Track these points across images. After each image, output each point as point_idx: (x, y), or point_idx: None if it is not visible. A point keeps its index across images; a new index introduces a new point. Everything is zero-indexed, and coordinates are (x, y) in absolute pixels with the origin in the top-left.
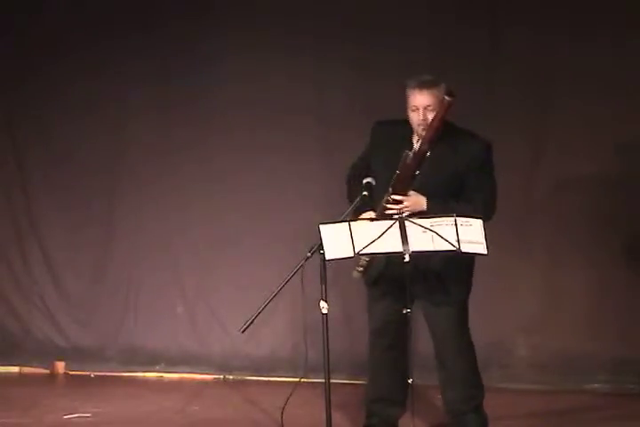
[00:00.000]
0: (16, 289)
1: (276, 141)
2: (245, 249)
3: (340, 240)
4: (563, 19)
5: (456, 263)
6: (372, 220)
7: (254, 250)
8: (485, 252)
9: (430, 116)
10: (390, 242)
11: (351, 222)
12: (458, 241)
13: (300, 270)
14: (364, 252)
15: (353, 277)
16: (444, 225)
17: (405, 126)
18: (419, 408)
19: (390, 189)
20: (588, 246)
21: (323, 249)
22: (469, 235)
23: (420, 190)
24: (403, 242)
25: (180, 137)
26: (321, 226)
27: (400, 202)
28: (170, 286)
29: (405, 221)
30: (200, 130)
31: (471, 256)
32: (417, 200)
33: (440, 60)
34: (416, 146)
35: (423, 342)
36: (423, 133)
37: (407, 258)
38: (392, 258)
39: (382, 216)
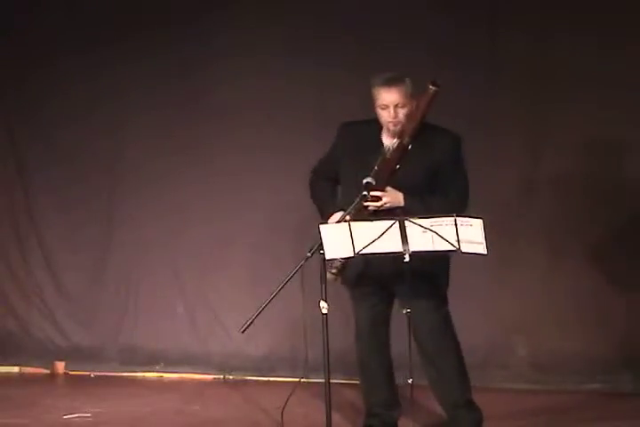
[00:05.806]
0: (16, 289)
1: (275, 141)
2: (245, 249)
3: (340, 240)
4: (562, 19)
5: (433, 258)
6: (371, 220)
7: (254, 250)
8: (485, 252)
9: (401, 114)
10: (390, 242)
11: (351, 222)
12: (458, 241)
13: (299, 270)
14: (363, 252)
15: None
16: (444, 225)
17: (373, 125)
18: (418, 408)
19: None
20: (588, 246)
21: (323, 249)
22: (469, 235)
23: (397, 186)
24: (402, 242)
25: (181, 137)
26: (321, 226)
27: (379, 198)
28: (170, 285)
29: (405, 221)
30: (200, 130)
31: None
32: (395, 196)
33: (440, 60)
34: (392, 142)
35: None
36: (396, 129)
37: (407, 258)
38: (371, 258)
39: (360, 214)
